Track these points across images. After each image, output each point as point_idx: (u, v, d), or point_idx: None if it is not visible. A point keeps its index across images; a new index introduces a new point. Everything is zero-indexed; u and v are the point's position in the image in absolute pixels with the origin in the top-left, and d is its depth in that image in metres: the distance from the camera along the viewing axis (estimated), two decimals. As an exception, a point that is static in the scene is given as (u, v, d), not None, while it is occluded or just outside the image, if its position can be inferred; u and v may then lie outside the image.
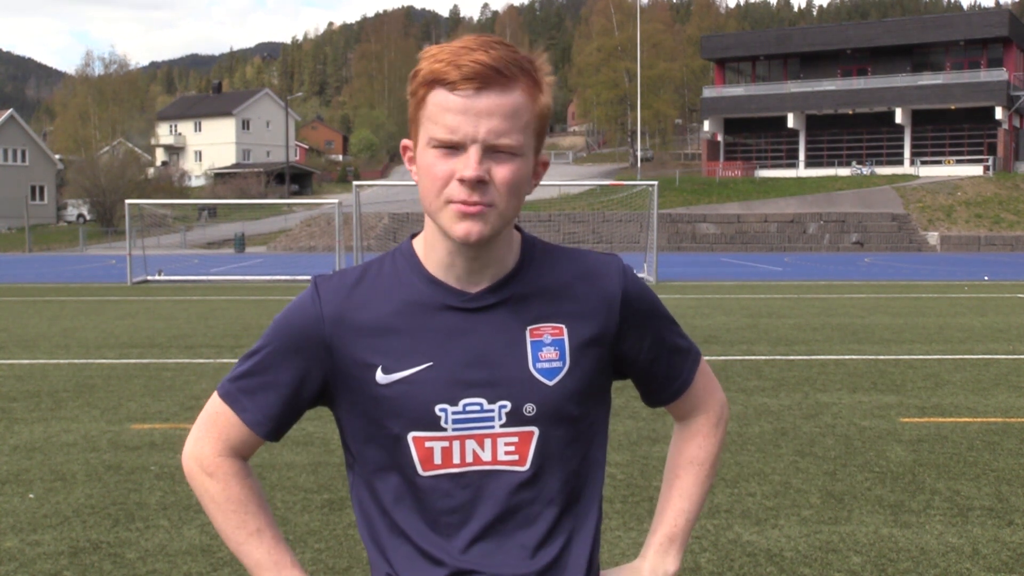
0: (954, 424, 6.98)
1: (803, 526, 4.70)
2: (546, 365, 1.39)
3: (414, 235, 1.47)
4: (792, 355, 10.46)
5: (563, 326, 1.41)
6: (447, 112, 1.28)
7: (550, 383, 1.39)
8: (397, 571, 1.42)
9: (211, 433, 1.46)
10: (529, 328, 1.40)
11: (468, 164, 1.28)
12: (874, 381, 8.79)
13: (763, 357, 10.30)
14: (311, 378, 1.42)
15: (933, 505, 5.03)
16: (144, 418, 7.33)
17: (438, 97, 1.29)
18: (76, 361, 10.39)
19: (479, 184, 1.28)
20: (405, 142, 1.40)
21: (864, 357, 10.33)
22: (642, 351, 1.48)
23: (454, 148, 1.29)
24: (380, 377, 1.38)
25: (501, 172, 1.30)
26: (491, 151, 1.29)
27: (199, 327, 13.60)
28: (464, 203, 1.29)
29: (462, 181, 1.28)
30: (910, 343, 11.43)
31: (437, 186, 1.31)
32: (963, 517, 4.83)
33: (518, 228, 1.46)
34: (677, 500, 1.55)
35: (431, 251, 1.41)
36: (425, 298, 1.40)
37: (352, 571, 4.16)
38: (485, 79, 1.27)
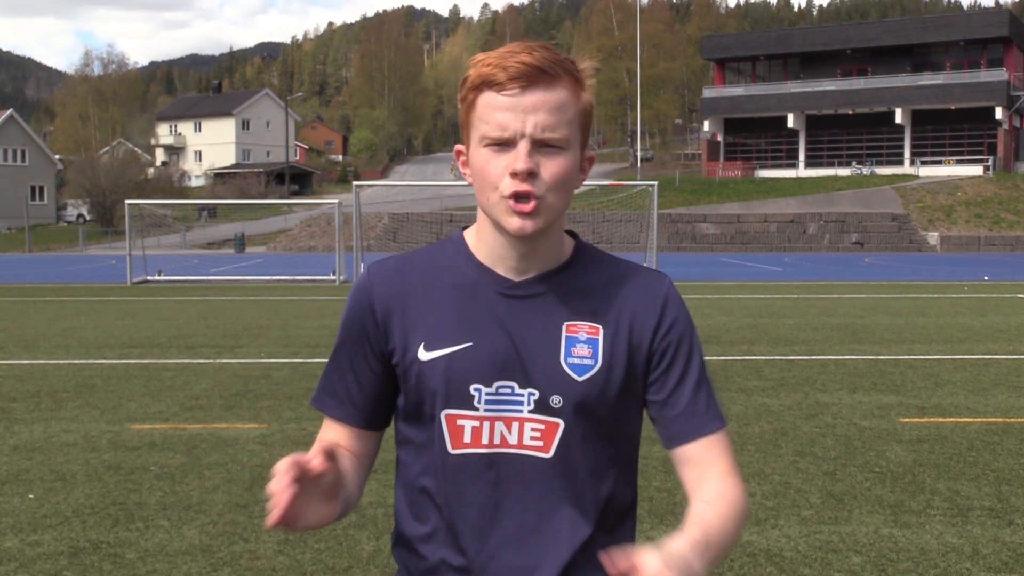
0: (954, 424, 6.98)
1: (803, 526, 4.70)
2: (577, 361, 1.43)
3: (464, 228, 1.55)
4: (792, 355, 10.46)
5: (600, 327, 1.45)
6: (496, 111, 1.35)
7: (579, 379, 1.42)
8: (421, 553, 1.47)
9: (319, 436, 1.53)
10: (566, 323, 1.44)
11: (519, 158, 1.34)
12: (874, 381, 8.79)
13: (763, 357, 10.30)
14: (377, 358, 1.49)
15: (933, 505, 5.03)
16: (144, 418, 7.33)
17: (487, 98, 1.36)
18: (76, 361, 10.39)
19: (530, 176, 1.35)
20: (458, 147, 1.47)
21: (864, 357, 10.33)
22: (668, 375, 1.47)
23: (505, 145, 1.36)
24: (422, 353, 1.44)
25: (550, 166, 1.36)
26: (539, 145, 1.35)
27: (199, 327, 13.60)
28: (516, 197, 1.35)
29: (514, 175, 1.35)
30: (910, 343, 11.43)
31: (491, 182, 1.37)
32: (963, 517, 4.83)
33: (574, 235, 1.53)
34: (713, 520, 1.36)
35: (482, 242, 1.48)
36: (470, 282, 1.46)
37: (352, 571, 4.16)
38: (530, 78, 1.34)
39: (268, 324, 13.98)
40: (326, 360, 1.57)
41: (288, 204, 55.18)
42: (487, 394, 1.41)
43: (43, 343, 11.95)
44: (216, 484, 5.46)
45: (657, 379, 1.47)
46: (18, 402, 8.02)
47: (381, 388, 1.50)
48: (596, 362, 1.43)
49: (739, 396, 8.06)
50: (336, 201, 28.08)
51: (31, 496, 5.27)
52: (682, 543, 1.24)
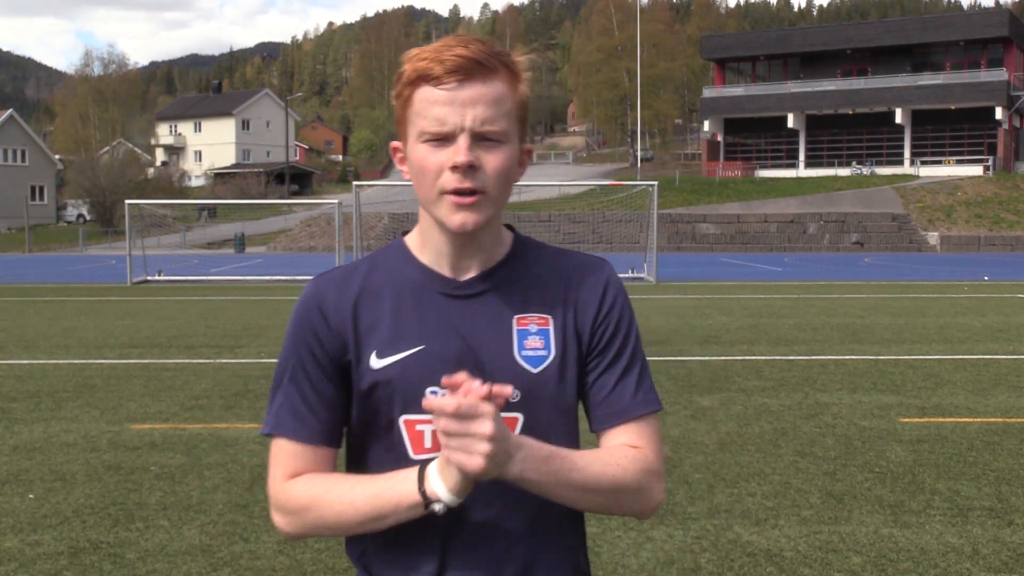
0: (954, 424, 6.98)
1: (803, 526, 4.70)
2: (531, 353, 1.42)
3: (405, 233, 1.53)
4: (792, 355, 10.46)
5: (549, 316, 1.45)
6: (434, 105, 1.33)
7: (535, 371, 1.42)
8: (372, 561, 1.45)
9: (277, 473, 1.44)
10: (516, 317, 1.44)
11: (459, 151, 1.33)
12: (874, 381, 8.79)
13: (763, 357, 10.30)
14: (336, 370, 1.44)
15: (933, 505, 5.03)
16: (144, 418, 7.33)
17: (424, 93, 1.35)
18: (76, 361, 10.39)
19: (470, 169, 1.33)
20: (395, 144, 1.46)
21: (864, 357, 10.33)
22: (603, 359, 1.46)
23: (444, 140, 1.34)
24: (374, 361, 1.41)
25: (490, 159, 1.35)
26: (478, 139, 1.34)
27: (199, 327, 13.60)
28: (458, 192, 1.34)
29: (454, 168, 1.33)
30: (910, 343, 11.43)
31: (430, 178, 1.36)
32: (963, 517, 4.83)
33: (511, 228, 1.52)
34: (576, 457, 1.36)
35: (425, 243, 1.46)
36: (416, 285, 1.45)
37: (352, 571, 4.16)
38: (468, 71, 1.33)
39: (268, 324, 13.98)
40: None
41: (288, 204, 55.19)
42: (444, 396, 1.37)
43: (43, 343, 11.95)
44: (216, 484, 5.46)
45: (592, 361, 1.46)
46: (18, 402, 8.02)
47: (342, 401, 1.45)
48: (549, 352, 1.43)
49: (739, 396, 8.05)
50: (336, 201, 28.08)
51: (31, 496, 5.27)
52: (524, 439, 1.30)
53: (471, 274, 1.45)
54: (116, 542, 4.52)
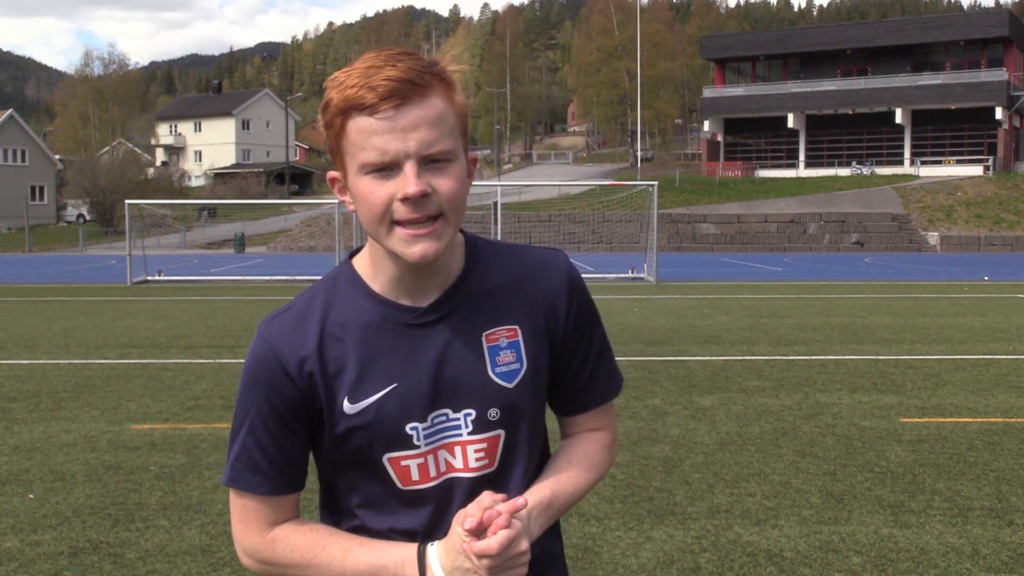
0: (954, 424, 6.98)
1: (803, 526, 4.70)
2: (504, 369, 1.40)
3: (352, 254, 1.45)
4: (792, 355, 10.46)
5: (516, 327, 1.42)
6: (372, 135, 1.26)
7: (510, 386, 1.40)
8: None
9: (248, 524, 1.42)
10: (484, 334, 1.40)
11: (408, 181, 1.25)
12: (874, 381, 8.79)
13: (763, 357, 10.30)
14: (301, 421, 1.39)
15: (933, 505, 5.03)
16: (144, 418, 7.33)
17: (359, 123, 1.26)
18: (76, 361, 10.39)
19: (423, 199, 1.27)
20: (332, 174, 1.39)
21: (864, 357, 10.33)
22: (576, 352, 1.48)
23: (388, 169, 1.27)
24: (347, 407, 1.37)
25: (442, 182, 1.28)
26: (425, 162, 1.27)
27: (199, 327, 13.60)
28: (412, 222, 1.27)
29: (405, 200, 1.26)
30: (910, 343, 11.43)
31: (379, 211, 1.28)
32: (963, 517, 4.83)
33: (460, 230, 1.45)
34: (565, 482, 1.46)
35: (378, 272, 1.39)
36: (377, 320, 1.38)
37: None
38: (402, 94, 1.25)
39: (268, 324, 13.97)
40: None
41: (288, 204, 55.19)
42: (424, 429, 1.38)
43: (43, 343, 11.95)
44: (216, 484, 5.46)
45: (566, 357, 1.47)
46: (18, 402, 8.02)
47: (305, 450, 1.42)
48: (522, 364, 1.41)
49: (739, 396, 8.05)
50: (336, 201, 28.05)
51: (31, 496, 5.27)
52: (532, 500, 1.37)
53: (431, 298, 1.39)
54: (116, 542, 4.52)
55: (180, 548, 4.43)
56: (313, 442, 1.43)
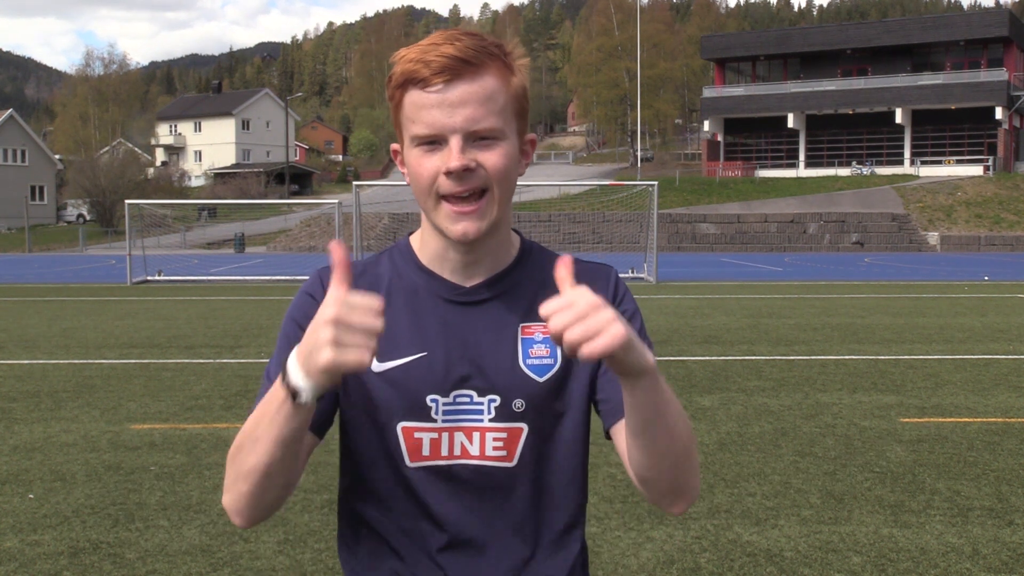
0: (954, 424, 6.98)
1: (803, 526, 4.70)
2: (536, 362, 1.39)
3: (411, 232, 1.49)
4: (792, 355, 10.46)
5: None
6: (423, 109, 1.29)
7: (540, 380, 1.39)
8: (365, 567, 1.43)
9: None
10: (521, 325, 1.40)
11: (452, 156, 1.28)
12: (874, 381, 8.79)
13: (763, 357, 10.30)
14: None
15: (933, 505, 5.03)
16: (144, 418, 7.33)
17: (413, 96, 1.30)
18: (76, 361, 10.39)
19: (466, 173, 1.29)
20: (394, 146, 1.42)
21: (864, 357, 10.33)
22: None
23: (436, 143, 1.30)
24: (375, 365, 1.37)
25: (488, 157, 1.30)
26: (472, 139, 1.29)
27: (199, 327, 13.60)
28: (458, 197, 1.30)
29: (448, 174, 1.29)
30: (910, 343, 11.43)
31: (426, 183, 1.32)
32: (963, 517, 4.83)
33: (518, 232, 1.48)
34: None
35: (426, 245, 1.42)
36: (420, 290, 1.41)
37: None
38: (454, 70, 1.28)
39: (268, 324, 13.98)
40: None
41: (288, 204, 55.16)
42: (444, 404, 1.37)
43: (43, 343, 11.95)
44: (216, 484, 5.46)
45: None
46: (18, 402, 8.02)
47: (333, 392, 1.39)
48: (556, 361, 1.40)
49: (739, 396, 8.05)
50: (336, 201, 28.05)
51: (31, 496, 5.27)
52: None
53: (476, 280, 1.41)
54: (116, 542, 4.52)
55: (180, 548, 4.43)
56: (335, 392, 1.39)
